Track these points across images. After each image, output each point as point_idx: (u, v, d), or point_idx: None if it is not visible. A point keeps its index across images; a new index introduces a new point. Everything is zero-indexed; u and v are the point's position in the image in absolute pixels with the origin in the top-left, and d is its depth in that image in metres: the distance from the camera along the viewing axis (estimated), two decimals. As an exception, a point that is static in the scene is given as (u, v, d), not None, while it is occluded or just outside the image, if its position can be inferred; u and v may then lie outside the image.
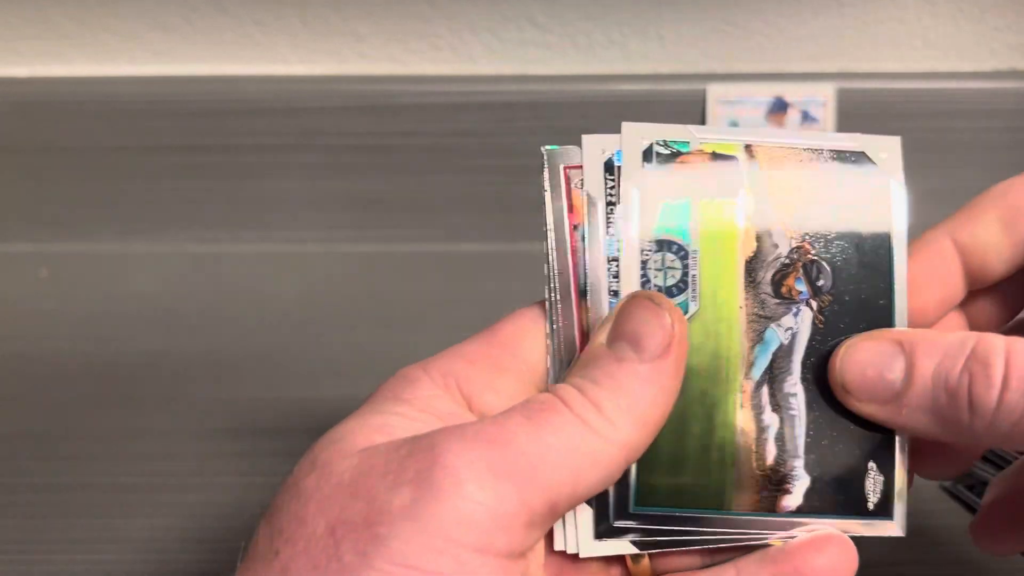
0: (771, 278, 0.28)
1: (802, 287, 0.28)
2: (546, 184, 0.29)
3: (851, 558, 0.27)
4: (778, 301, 0.28)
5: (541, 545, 0.26)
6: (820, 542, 0.27)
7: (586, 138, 0.29)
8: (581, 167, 0.29)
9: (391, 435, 0.24)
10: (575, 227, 0.28)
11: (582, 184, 0.29)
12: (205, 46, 0.66)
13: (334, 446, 0.24)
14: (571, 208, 0.28)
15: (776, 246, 0.28)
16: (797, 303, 0.28)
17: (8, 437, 0.49)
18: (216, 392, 0.52)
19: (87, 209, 0.67)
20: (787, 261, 0.28)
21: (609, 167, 0.29)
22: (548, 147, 0.29)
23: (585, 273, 0.28)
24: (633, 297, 0.26)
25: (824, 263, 0.28)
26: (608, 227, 0.28)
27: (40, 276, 0.65)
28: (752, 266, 0.28)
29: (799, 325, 0.28)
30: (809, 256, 0.28)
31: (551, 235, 0.28)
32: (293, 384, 0.53)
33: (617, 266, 0.28)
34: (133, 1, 0.64)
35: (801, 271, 0.28)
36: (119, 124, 0.65)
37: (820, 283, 0.28)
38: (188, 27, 0.65)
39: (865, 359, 0.27)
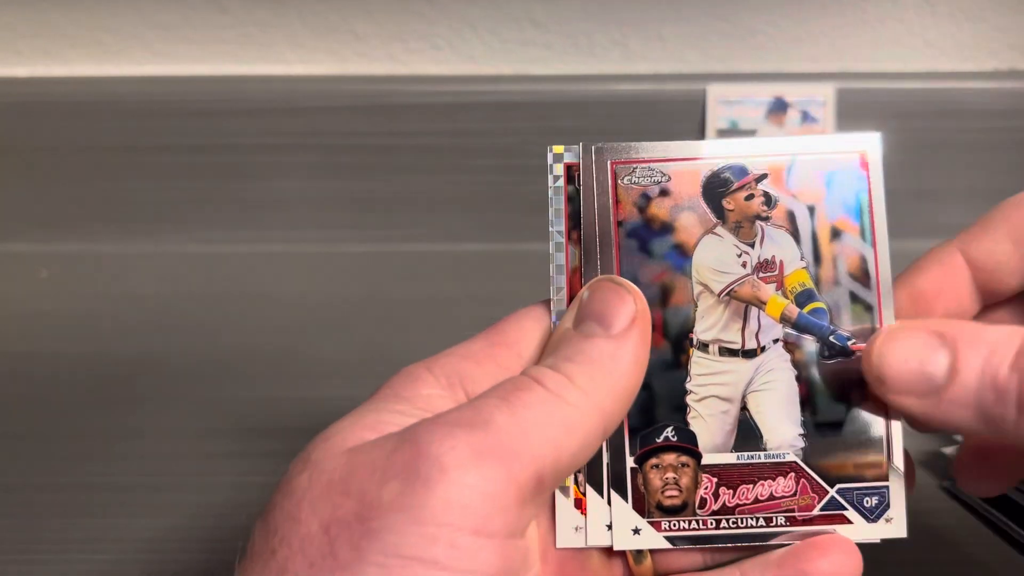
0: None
1: None
2: (580, 181, 0.29)
3: (855, 561, 0.27)
4: None
5: (535, 530, 0.26)
6: (824, 545, 0.27)
7: None
8: (629, 162, 0.29)
9: (382, 432, 0.24)
10: (620, 223, 0.29)
11: (630, 179, 0.29)
12: (205, 46, 0.66)
13: (325, 444, 0.24)
14: (617, 203, 0.29)
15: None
16: None
17: (8, 437, 0.49)
18: (216, 392, 0.52)
19: (87, 209, 0.67)
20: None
21: None
22: (590, 143, 0.29)
23: (633, 269, 0.28)
24: (596, 281, 0.28)
25: None
26: None
27: (40, 276, 0.65)
28: None
29: None
30: None
31: (595, 230, 0.29)
32: (293, 384, 0.53)
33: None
34: (133, 1, 0.64)
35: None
36: (119, 124, 0.65)
37: None
38: (188, 27, 0.65)
39: (905, 351, 0.26)
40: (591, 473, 0.28)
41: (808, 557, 0.27)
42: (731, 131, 0.64)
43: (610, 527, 0.28)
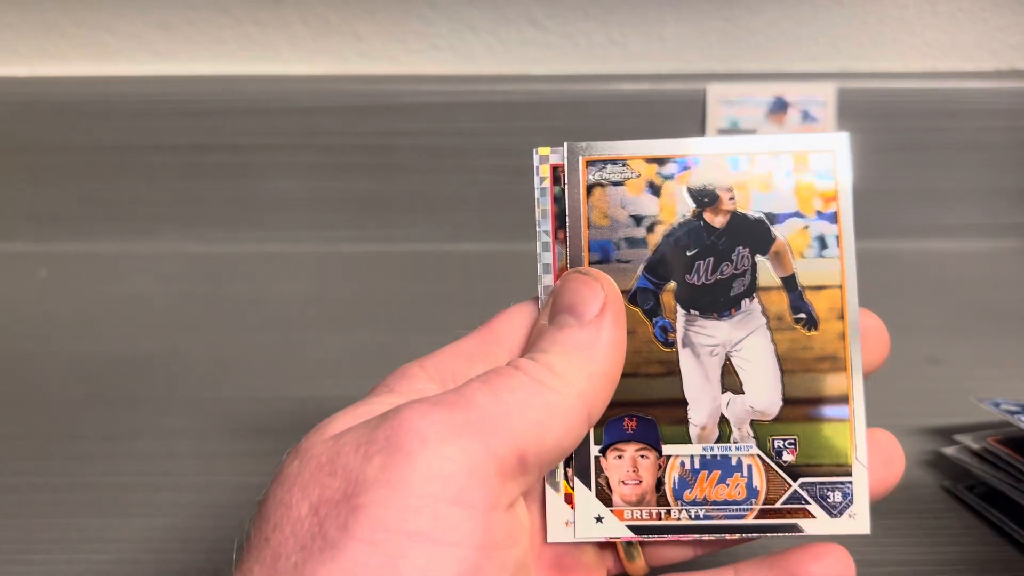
0: None
1: None
2: (565, 182, 0.29)
3: (848, 568, 0.27)
4: None
5: (525, 510, 0.26)
6: (818, 551, 0.28)
7: None
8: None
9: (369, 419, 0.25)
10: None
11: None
12: (205, 46, 0.66)
13: (315, 433, 0.25)
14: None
15: None
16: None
17: (8, 437, 0.49)
18: (216, 392, 0.52)
19: (87, 209, 0.67)
20: None
21: None
22: (574, 144, 0.29)
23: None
24: (565, 275, 0.28)
25: None
26: None
27: (40, 276, 0.65)
28: None
29: None
30: None
31: (579, 229, 0.29)
32: (293, 384, 0.53)
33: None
34: (133, 1, 0.65)
35: None
36: (119, 124, 0.65)
37: None
38: (188, 27, 0.65)
39: None
40: (578, 468, 0.28)
41: (802, 561, 0.27)
42: (732, 130, 0.64)
43: (600, 519, 0.28)
